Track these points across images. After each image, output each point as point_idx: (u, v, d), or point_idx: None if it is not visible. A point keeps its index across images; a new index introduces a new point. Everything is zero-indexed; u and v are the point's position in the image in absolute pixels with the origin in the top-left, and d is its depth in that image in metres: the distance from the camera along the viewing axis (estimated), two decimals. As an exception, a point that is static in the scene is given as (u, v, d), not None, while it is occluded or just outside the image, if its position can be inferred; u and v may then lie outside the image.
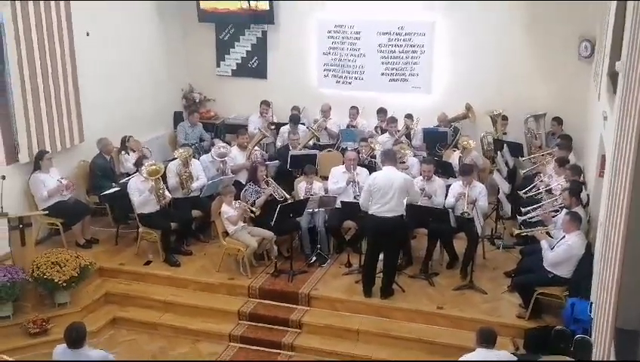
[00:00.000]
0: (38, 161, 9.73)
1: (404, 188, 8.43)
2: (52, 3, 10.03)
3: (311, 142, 12.05)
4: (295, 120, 12.19)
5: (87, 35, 10.92)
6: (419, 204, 9.33)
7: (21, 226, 8.52)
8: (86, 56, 10.85)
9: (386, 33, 12.66)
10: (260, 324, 8.76)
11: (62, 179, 9.82)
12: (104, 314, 9.02)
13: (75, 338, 6.47)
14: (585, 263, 7.79)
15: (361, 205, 8.74)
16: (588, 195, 9.15)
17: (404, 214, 8.73)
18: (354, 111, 12.48)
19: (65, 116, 10.48)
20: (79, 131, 10.84)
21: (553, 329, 7.46)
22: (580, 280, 7.70)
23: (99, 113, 11.22)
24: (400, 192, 8.39)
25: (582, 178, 9.50)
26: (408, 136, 11.81)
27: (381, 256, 8.81)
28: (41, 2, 9.81)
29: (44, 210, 9.49)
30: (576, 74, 11.45)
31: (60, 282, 8.36)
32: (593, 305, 6.83)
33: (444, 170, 10.55)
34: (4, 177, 8.81)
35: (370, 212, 8.52)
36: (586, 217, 8.45)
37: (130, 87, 12.10)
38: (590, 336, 6.77)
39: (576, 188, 8.75)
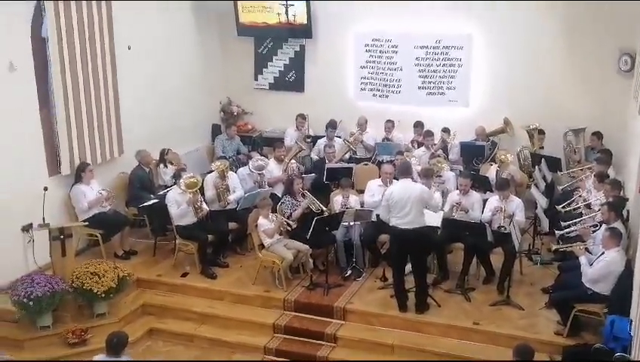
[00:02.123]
0: (80, 173, 9.90)
1: (421, 200, 8.45)
2: (95, 17, 10.24)
3: (347, 155, 12.08)
4: (332, 125, 12.25)
5: (129, 48, 11.12)
6: (455, 218, 9.33)
7: (62, 237, 8.70)
8: (126, 70, 11.05)
9: (423, 47, 12.64)
10: (294, 337, 8.76)
11: (102, 190, 9.99)
12: (141, 325, 9.12)
13: (116, 343, 6.66)
14: (625, 280, 7.66)
15: (382, 218, 8.84)
16: (628, 211, 9.01)
17: (438, 226, 8.75)
18: (389, 124, 12.47)
19: (105, 129, 10.67)
20: (119, 144, 11.02)
21: (592, 347, 7.35)
22: (620, 297, 7.56)
23: (138, 126, 11.41)
24: (417, 204, 8.41)
25: (622, 193, 9.35)
26: (445, 149, 11.77)
27: (407, 270, 8.82)
28: (84, 16, 10.02)
29: (84, 221, 9.68)
30: (616, 88, 11.28)
31: (98, 292, 8.49)
32: (633, 322, 6.72)
33: (481, 185, 10.48)
34: (46, 188, 9.03)
35: (390, 224, 8.57)
36: (625, 233, 8.31)
37: (169, 100, 12.27)
38: (630, 355, 6.66)
39: (618, 203, 8.62)
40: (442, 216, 9.23)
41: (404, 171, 8.82)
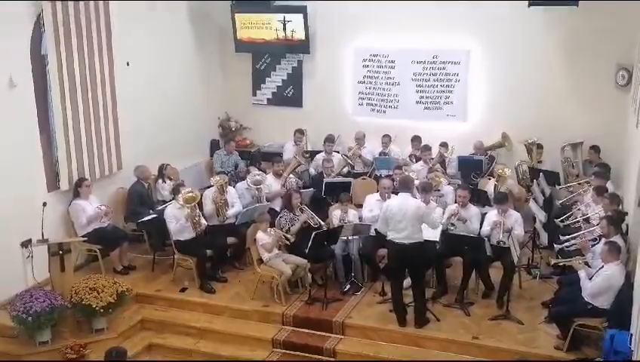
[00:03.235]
0: (77, 188, 9.91)
1: (417, 216, 8.43)
2: (94, 34, 10.29)
3: (345, 170, 12.10)
4: (330, 139, 12.32)
5: (128, 65, 11.15)
6: (454, 229, 9.32)
7: (61, 252, 8.68)
8: (125, 86, 11.07)
9: (421, 62, 12.71)
10: (293, 352, 8.72)
11: (100, 206, 9.99)
12: (140, 340, 9.07)
13: (115, 358, 6.67)
14: (624, 294, 7.64)
15: (379, 230, 8.85)
16: (627, 225, 9.02)
17: (437, 241, 8.82)
18: (386, 139, 12.50)
19: (104, 144, 10.69)
20: (117, 159, 11.03)
21: (592, 361, 7.32)
22: (620, 310, 7.54)
23: (137, 141, 11.42)
24: (413, 220, 8.40)
25: (620, 207, 9.36)
26: (443, 164, 11.79)
27: (406, 284, 8.82)
28: (84, 33, 10.07)
29: (83, 236, 9.67)
30: (614, 102, 11.33)
31: (97, 308, 8.46)
32: (633, 336, 6.71)
33: (480, 199, 10.49)
34: (45, 204, 9.02)
35: (388, 238, 8.58)
36: (625, 246, 8.32)
37: (167, 115, 12.30)
38: (630, 369, 6.65)
39: (617, 217, 8.63)
40: (441, 228, 9.25)
41: (404, 186, 8.81)
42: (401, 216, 8.39)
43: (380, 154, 12.47)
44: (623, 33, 10.98)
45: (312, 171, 12.37)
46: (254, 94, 14.12)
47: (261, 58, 13.92)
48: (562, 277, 9.11)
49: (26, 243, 9.14)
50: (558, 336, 8.22)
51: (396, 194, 9.96)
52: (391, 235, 8.53)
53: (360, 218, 9.98)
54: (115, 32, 10.73)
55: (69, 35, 9.80)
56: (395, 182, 10.57)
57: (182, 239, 9.77)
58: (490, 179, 11.29)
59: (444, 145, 11.96)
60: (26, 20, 9.34)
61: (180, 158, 12.28)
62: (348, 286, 9.63)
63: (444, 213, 9.82)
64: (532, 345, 8.23)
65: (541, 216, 9.81)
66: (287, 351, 8.75)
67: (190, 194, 9.75)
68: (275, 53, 13.68)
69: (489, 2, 11.79)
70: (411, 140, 12.46)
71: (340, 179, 11.52)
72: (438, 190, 10.42)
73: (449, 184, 10.93)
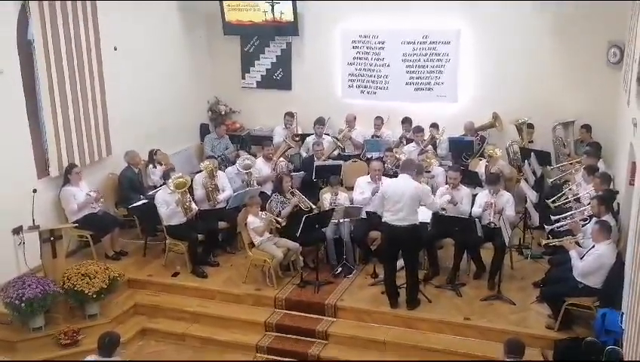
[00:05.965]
0: (67, 175, 9.87)
1: (415, 198, 8.41)
2: (80, 19, 10.19)
3: (336, 153, 12.08)
4: (320, 121, 12.30)
5: (115, 49, 11.06)
6: (445, 213, 9.33)
7: (52, 239, 8.66)
8: (113, 71, 10.98)
9: (411, 42, 12.65)
10: (286, 335, 8.75)
11: (91, 192, 9.95)
12: (133, 325, 9.09)
13: (108, 343, 6.67)
14: (616, 273, 7.67)
15: (375, 209, 8.92)
16: (618, 204, 9.05)
17: (428, 223, 8.89)
18: (378, 121, 12.48)
19: (93, 130, 10.63)
20: (107, 145, 10.98)
21: (583, 340, 7.36)
22: (611, 290, 7.58)
23: (126, 127, 11.35)
24: (411, 201, 8.38)
25: (611, 186, 9.38)
26: (434, 145, 11.78)
27: (398, 266, 8.84)
28: (70, 18, 9.97)
29: (74, 222, 9.65)
30: (605, 80, 11.30)
31: (89, 293, 8.47)
32: (624, 315, 6.75)
33: (471, 180, 10.50)
34: (35, 190, 8.99)
35: (383, 220, 8.58)
36: (616, 226, 8.34)
37: (156, 100, 12.23)
38: (621, 348, 6.68)
39: (608, 196, 8.65)
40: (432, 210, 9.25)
41: (406, 167, 8.75)
42: (399, 196, 8.37)
43: (372, 137, 12.45)
44: (614, 10, 10.91)
45: (303, 154, 12.34)
46: (243, 77, 14.05)
47: (250, 41, 13.83)
48: (553, 257, 9.16)
49: (18, 230, 9.15)
50: (550, 316, 8.27)
51: (388, 176, 10.02)
52: (386, 217, 8.52)
53: (351, 200, 9.97)
54: (102, 17, 10.62)
55: (55, 20, 9.70)
56: (385, 165, 10.58)
57: (173, 224, 9.75)
58: (481, 159, 11.30)
59: (434, 126, 11.94)
60: (11, 6, 9.23)
61: (170, 143, 12.23)
62: (340, 269, 9.65)
63: (432, 191, 9.86)
64: (523, 325, 8.28)
65: (532, 196, 9.83)
66: (280, 334, 8.78)
67: (180, 180, 9.72)
68: (264, 35, 13.59)
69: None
70: (402, 122, 12.43)
71: (331, 162, 11.50)
72: (429, 171, 10.42)
73: (440, 165, 10.93)
